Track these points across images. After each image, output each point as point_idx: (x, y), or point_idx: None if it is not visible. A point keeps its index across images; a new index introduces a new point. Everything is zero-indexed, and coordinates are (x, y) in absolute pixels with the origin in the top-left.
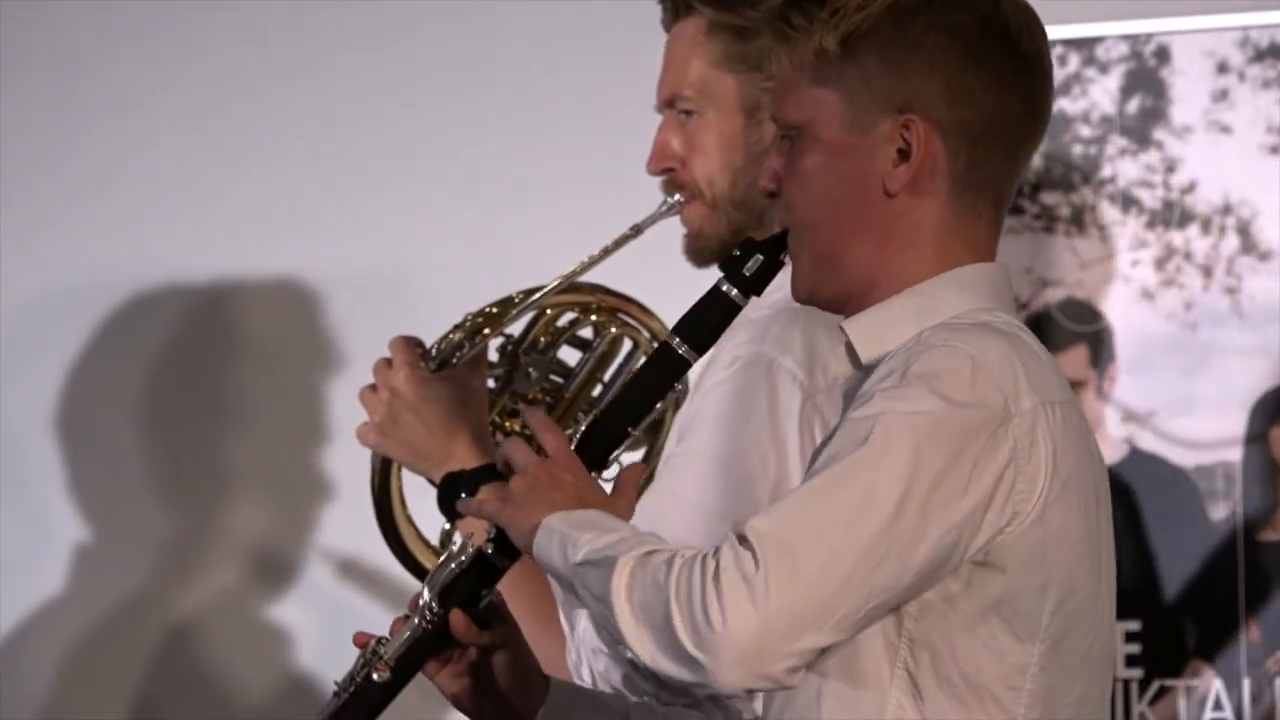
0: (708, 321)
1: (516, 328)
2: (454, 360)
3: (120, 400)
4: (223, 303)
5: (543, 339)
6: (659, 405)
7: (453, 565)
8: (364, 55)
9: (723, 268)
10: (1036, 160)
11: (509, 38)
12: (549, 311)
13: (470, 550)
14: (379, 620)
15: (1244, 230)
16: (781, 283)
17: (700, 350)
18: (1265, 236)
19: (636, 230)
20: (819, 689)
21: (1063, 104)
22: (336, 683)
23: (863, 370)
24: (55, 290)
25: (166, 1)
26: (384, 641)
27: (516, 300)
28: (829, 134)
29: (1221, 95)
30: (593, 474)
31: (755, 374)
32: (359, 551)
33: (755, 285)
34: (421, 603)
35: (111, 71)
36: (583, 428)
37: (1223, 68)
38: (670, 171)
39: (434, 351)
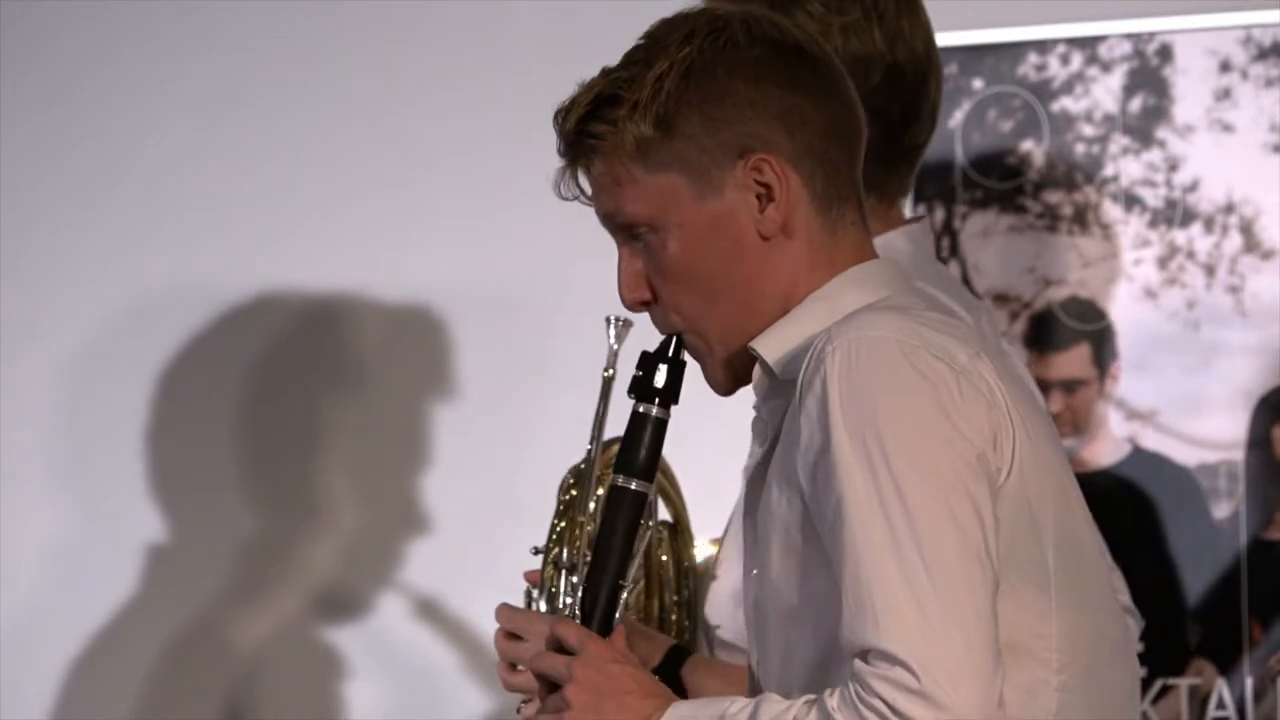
0: (641, 447)
1: None
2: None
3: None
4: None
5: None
6: (637, 545)
7: None
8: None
9: (631, 392)
10: (1039, 159)
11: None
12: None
13: None
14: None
15: (1246, 229)
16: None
17: (647, 479)
18: (1268, 235)
19: None
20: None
21: (1065, 103)
22: None
23: (775, 378)
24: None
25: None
26: None
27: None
28: (684, 215)
29: (1224, 94)
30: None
31: None
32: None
33: (668, 394)
34: None
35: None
36: (579, 605)
37: (1225, 67)
38: None
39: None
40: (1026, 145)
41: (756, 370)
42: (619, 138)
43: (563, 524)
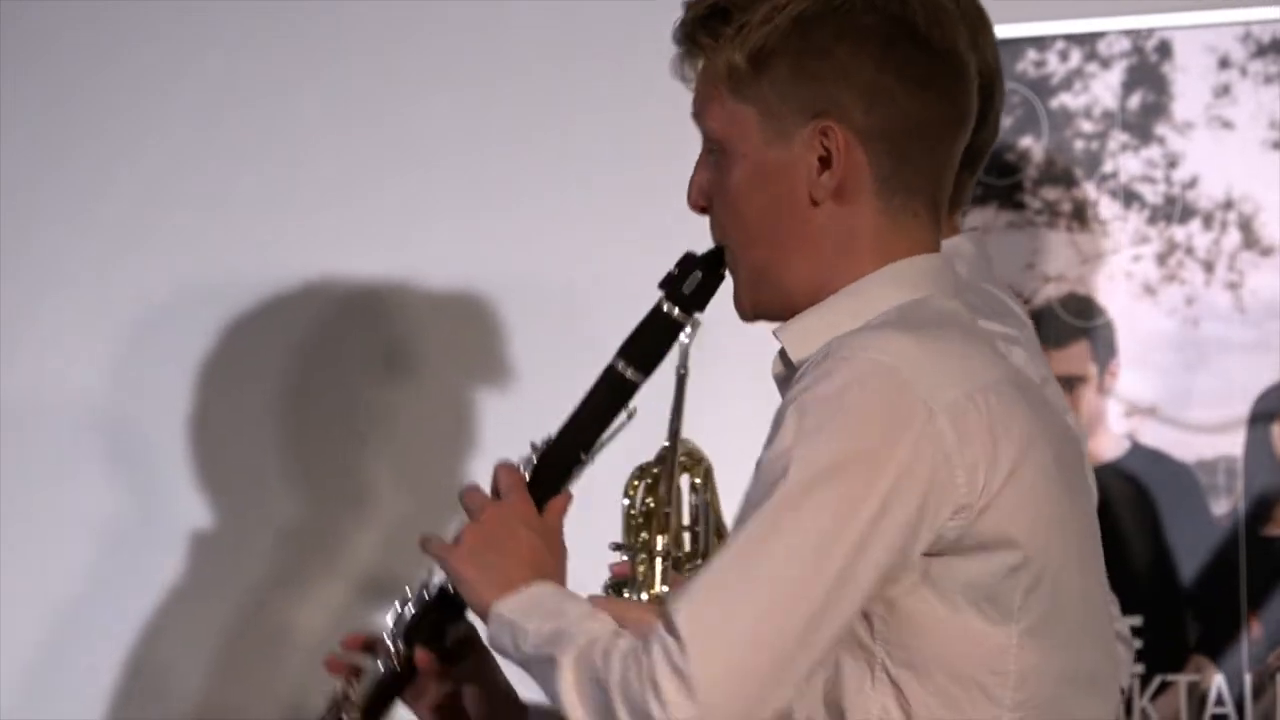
0: (650, 343)
1: None
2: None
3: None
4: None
5: None
6: (608, 430)
7: (414, 605)
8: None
9: (663, 286)
10: (1038, 155)
11: None
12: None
13: (435, 587)
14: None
15: (1245, 226)
16: None
17: (645, 372)
18: (1267, 232)
19: None
20: (806, 708)
21: (1064, 99)
22: None
23: (793, 369)
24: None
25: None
26: (354, 683)
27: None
28: (750, 150)
29: (1223, 91)
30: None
31: None
32: None
33: (695, 302)
34: (386, 644)
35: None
36: (535, 459)
37: (1224, 63)
38: None
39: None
40: (1025, 141)
41: (776, 360)
42: (716, 55)
43: (643, 518)
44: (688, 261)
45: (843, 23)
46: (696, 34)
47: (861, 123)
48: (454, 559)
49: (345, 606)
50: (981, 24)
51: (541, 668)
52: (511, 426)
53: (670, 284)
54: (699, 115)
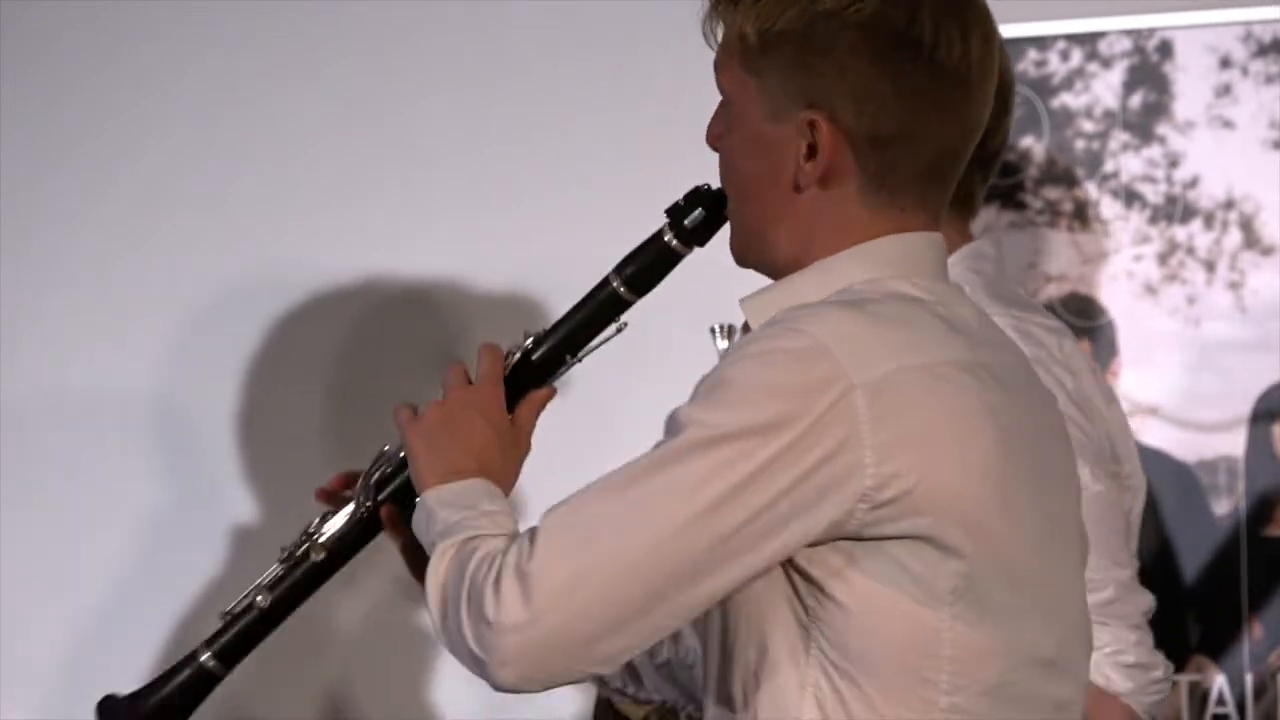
0: (647, 265)
1: None
2: None
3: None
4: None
5: None
6: (597, 338)
7: (392, 458)
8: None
9: (668, 213)
10: (1040, 155)
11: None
12: None
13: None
14: None
15: (1246, 225)
16: None
17: (638, 293)
18: (1268, 231)
19: None
20: (744, 683)
21: (1066, 99)
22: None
23: None
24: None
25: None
26: (328, 518)
27: None
28: (751, 118)
29: (1224, 90)
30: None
31: None
32: None
33: (695, 237)
34: (359, 491)
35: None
36: (518, 353)
37: (1225, 63)
38: None
39: None
40: (1027, 141)
41: (743, 328)
42: (732, 22)
43: None
44: (694, 195)
45: (850, 24)
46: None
47: (850, 123)
48: (411, 433)
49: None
50: (995, 32)
51: (431, 554)
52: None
53: (674, 214)
54: (717, 69)
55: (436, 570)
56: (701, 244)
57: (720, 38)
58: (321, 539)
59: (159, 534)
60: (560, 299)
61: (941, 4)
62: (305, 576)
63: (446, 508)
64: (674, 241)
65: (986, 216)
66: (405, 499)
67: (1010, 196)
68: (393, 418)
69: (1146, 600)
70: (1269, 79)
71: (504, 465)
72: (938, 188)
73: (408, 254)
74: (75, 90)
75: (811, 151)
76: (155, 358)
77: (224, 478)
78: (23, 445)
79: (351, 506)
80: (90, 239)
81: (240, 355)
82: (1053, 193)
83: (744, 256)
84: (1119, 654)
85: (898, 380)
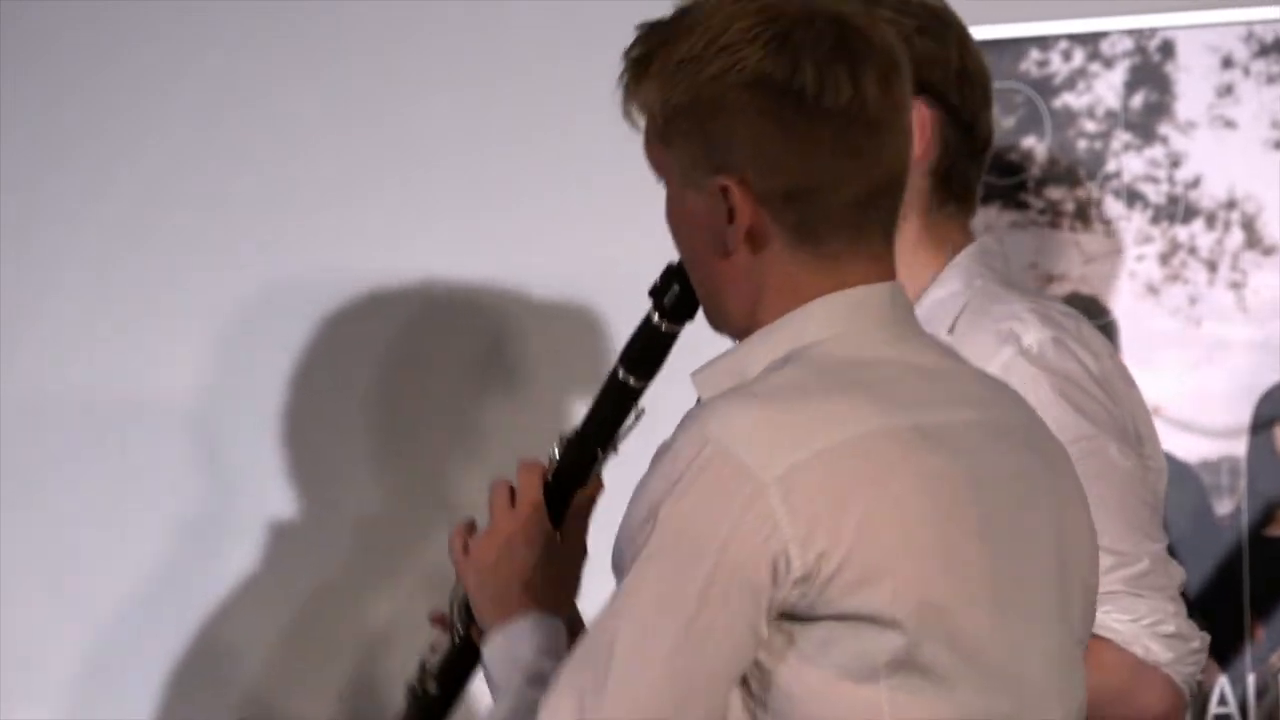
0: (644, 351)
1: None
2: None
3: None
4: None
5: None
6: (620, 429)
7: None
8: None
9: (651, 295)
10: (1041, 155)
11: None
12: None
13: None
14: None
15: (1248, 225)
16: None
17: (645, 378)
18: (1270, 231)
19: None
20: None
21: (1067, 99)
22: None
23: None
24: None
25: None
26: (435, 652)
27: None
28: (674, 192)
29: (1226, 90)
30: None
31: None
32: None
33: (677, 313)
34: (450, 617)
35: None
36: (554, 458)
37: (1227, 63)
38: None
39: None
40: (1028, 141)
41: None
42: (643, 99)
43: None
44: (668, 272)
45: (731, 84)
46: (628, 76)
47: (757, 183)
48: (464, 571)
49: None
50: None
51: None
52: (511, 424)
53: (655, 294)
54: (645, 148)
55: None
56: (692, 318)
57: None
58: (433, 671)
59: (159, 534)
60: (561, 299)
61: (825, 50)
62: (426, 712)
63: (496, 665)
64: (664, 324)
65: (987, 216)
66: None
67: (1011, 196)
68: (450, 544)
69: (1180, 573)
70: (1271, 79)
71: (555, 585)
72: (871, 228)
73: (407, 254)
74: (75, 90)
75: (731, 216)
76: (155, 358)
77: (222, 478)
78: (23, 446)
79: (449, 640)
80: (90, 239)
81: (240, 355)
82: (1054, 193)
83: (712, 325)
84: (1158, 624)
85: (809, 466)
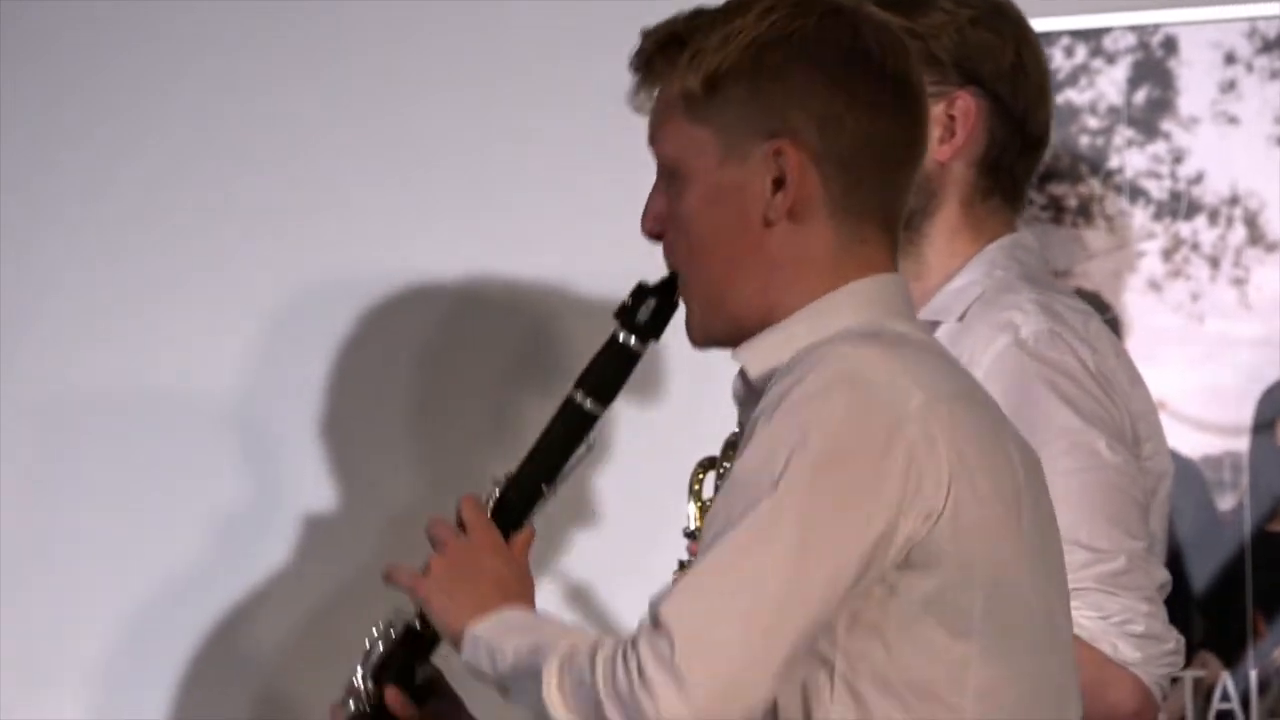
0: (608, 373)
1: None
2: None
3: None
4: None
5: None
6: (569, 461)
7: (382, 644)
8: None
9: (618, 316)
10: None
11: None
12: None
13: (401, 625)
14: None
15: (1251, 221)
16: None
17: (603, 402)
18: (1272, 227)
19: None
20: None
21: (1070, 95)
22: None
23: (752, 389)
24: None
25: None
26: None
27: None
28: (705, 171)
29: (1229, 86)
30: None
31: None
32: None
33: (651, 330)
34: (356, 685)
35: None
36: (497, 492)
37: (1230, 59)
38: None
39: None
40: None
41: (736, 380)
42: (671, 80)
43: (698, 507)
44: (640, 291)
45: (796, 49)
46: (653, 61)
47: (815, 145)
48: (423, 588)
49: None
50: (1024, 25)
51: (522, 683)
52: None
53: (625, 313)
54: (654, 140)
55: (550, 689)
56: (657, 337)
57: (655, 105)
58: None
59: (159, 535)
60: (560, 299)
61: (874, 20)
62: None
63: (507, 636)
64: (632, 340)
65: None
66: (407, 679)
67: None
68: (388, 579)
69: (1161, 574)
70: (1273, 75)
71: (524, 595)
72: (898, 204)
73: (407, 254)
74: (75, 90)
75: (777, 185)
76: (155, 357)
77: (222, 478)
78: (23, 446)
79: (352, 708)
80: (90, 239)
81: (240, 355)
82: (1057, 188)
83: (706, 329)
84: (1128, 623)
85: (930, 411)
